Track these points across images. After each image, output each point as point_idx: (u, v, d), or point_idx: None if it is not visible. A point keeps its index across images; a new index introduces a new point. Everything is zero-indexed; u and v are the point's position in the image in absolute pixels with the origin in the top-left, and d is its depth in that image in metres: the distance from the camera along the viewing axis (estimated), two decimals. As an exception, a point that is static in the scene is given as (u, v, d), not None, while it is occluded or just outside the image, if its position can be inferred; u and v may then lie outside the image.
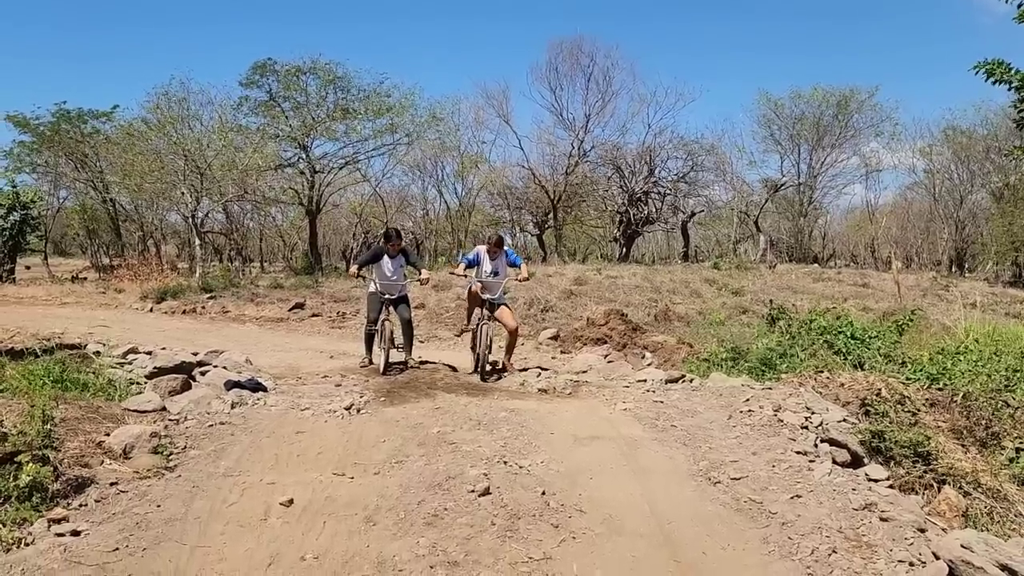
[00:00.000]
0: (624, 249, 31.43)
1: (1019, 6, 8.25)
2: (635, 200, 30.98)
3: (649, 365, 10.01)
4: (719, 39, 79.74)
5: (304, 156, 27.83)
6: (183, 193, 23.35)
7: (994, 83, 8.45)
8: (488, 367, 8.62)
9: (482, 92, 36.82)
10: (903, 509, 4.63)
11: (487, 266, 8.94)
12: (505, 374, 8.75)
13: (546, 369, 9.22)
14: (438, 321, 14.51)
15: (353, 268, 9.19)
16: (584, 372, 9.09)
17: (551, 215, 32.07)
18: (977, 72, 8.47)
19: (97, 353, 8.35)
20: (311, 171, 27.74)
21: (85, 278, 25.98)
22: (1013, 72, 8.35)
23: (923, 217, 37.84)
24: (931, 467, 5.48)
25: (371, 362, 8.97)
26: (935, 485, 5.32)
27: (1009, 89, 8.43)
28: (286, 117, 27.10)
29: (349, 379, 8.02)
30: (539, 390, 7.81)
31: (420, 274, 9.13)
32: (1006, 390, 6.86)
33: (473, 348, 9.04)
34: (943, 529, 4.54)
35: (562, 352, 11.89)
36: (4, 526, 3.87)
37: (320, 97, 27.18)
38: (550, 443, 5.71)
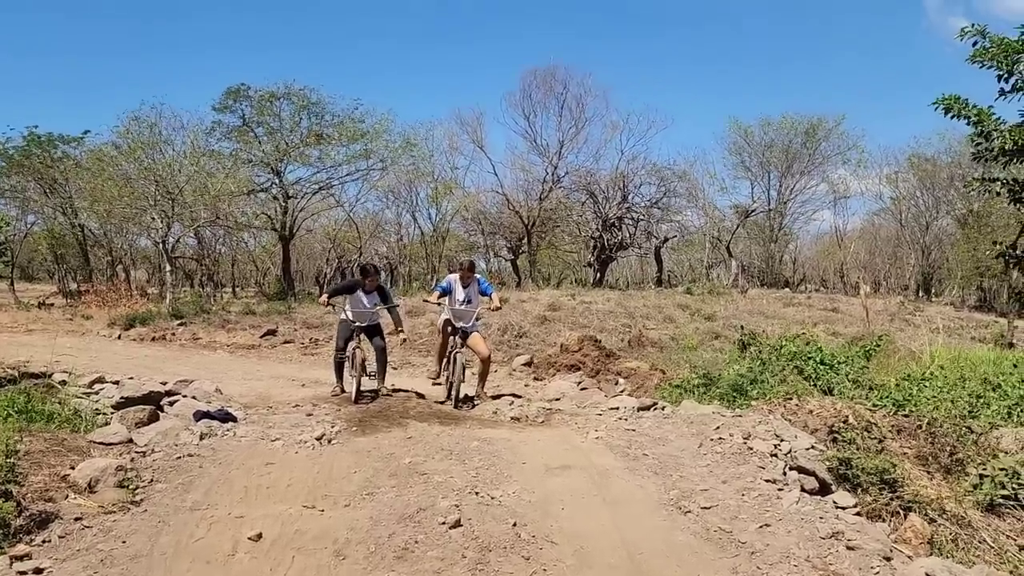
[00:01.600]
0: (598, 274, 31.62)
1: (974, 43, 8.50)
2: (609, 225, 31.23)
3: (622, 392, 10.05)
4: (689, 68, 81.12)
5: (277, 181, 27.76)
6: (154, 218, 23.12)
7: (952, 118, 8.68)
8: (461, 395, 8.60)
9: (456, 118, 37.01)
10: (869, 537, 4.68)
11: (459, 294, 8.96)
12: (478, 402, 8.73)
13: (519, 397, 9.23)
14: (411, 348, 14.44)
15: (323, 297, 9.05)
16: (557, 400, 9.12)
17: (525, 240, 32.22)
18: (936, 108, 8.70)
19: (63, 383, 8.19)
20: (284, 196, 27.65)
21: (52, 304, 25.51)
22: (970, 107, 8.58)
23: (890, 242, 38.56)
24: (897, 494, 5.53)
25: (342, 390, 8.90)
26: (901, 512, 5.38)
27: (968, 124, 8.66)
28: (259, 142, 27.04)
29: (321, 408, 7.96)
30: (512, 418, 7.81)
31: (399, 334, 9.57)
32: (970, 416, 6.98)
33: (446, 377, 9.04)
34: (909, 557, 4.59)
35: (535, 379, 11.89)
36: (-37, 564, 3.79)
37: (294, 122, 27.19)
38: (522, 473, 5.70)
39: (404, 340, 9.35)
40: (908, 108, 74.51)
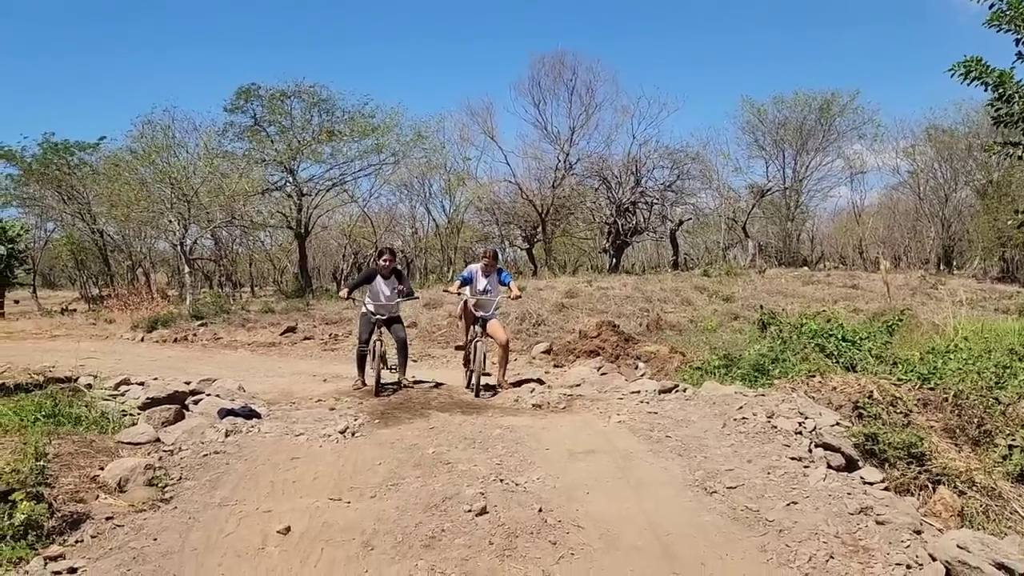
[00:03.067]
0: (614, 260, 31.51)
1: (991, 7, 8.35)
2: (623, 210, 31.08)
3: (642, 376, 10.02)
4: (699, 48, 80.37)
5: (291, 179, 27.91)
6: (171, 221, 23.31)
7: (971, 82, 8.52)
8: (482, 384, 8.65)
9: (466, 109, 37.00)
10: (898, 511, 4.65)
11: (480, 283, 9.01)
12: (500, 390, 8.77)
13: (540, 384, 9.24)
14: (431, 340, 14.49)
15: (343, 291, 9.23)
16: (578, 385, 9.11)
17: (540, 229, 32.15)
18: (954, 74, 8.55)
19: (89, 386, 8.30)
20: (298, 194, 27.79)
21: (75, 310, 25.86)
22: (990, 70, 8.42)
23: (909, 216, 38.08)
24: (925, 468, 5.50)
25: (364, 383, 8.95)
26: (930, 486, 5.34)
27: (986, 89, 8.50)
28: (272, 141, 27.19)
29: (343, 402, 8.01)
30: (533, 405, 7.81)
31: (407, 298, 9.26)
32: (997, 387, 6.88)
33: (466, 365, 9.19)
34: (939, 530, 4.56)
35: (555, 366, 11.89)
36: (1, 566, 3.84)
37: (305, 120, 27.31)
38: (546, 459, 5.71)
39: (417, 297, 9.46)
40: (923, 79, 73.42)
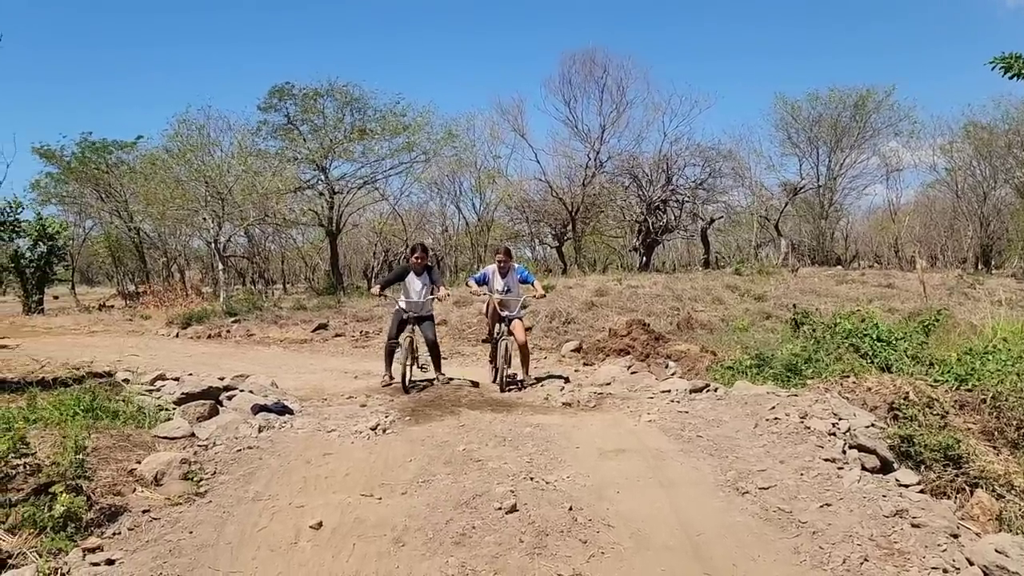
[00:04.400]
0: (644, 258, 31.33)
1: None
2: (653, 209, 30.88)
3: (673, 375, 9.97)
4: (732, 45, 79.66)
5: (323, 177, 28.16)
6: (205, 219, 23.67)
7: (1012, 77, 8.32)
8: (507, 378, 8.81)
9: (497, 107, 37.08)
10: (935, 514, 4.57)
11: (498, 284, 9.05)
12: (526, 388, 8.81)
13: (569, 382, 9.23)
14: (460, 337, 14.55)
15: (375, 288, 9.28)
16: (607, 384, 9.08)
17: (570, 227, 32.08)
18: (994, 67, 8.35)
19: (126, 381, 8.46)
20: (330, 192, 28.02)
21: (112, 306, 26.39)
22: (1031, 66, 8.21)
23: (946, 215, 37.40)
24: (962, 470, 5.39)
25: (392, 378, 9.01)
26: (967, 489, 5.24)
27: (1028, 84, 8.29)
28: (304, 140, 27.44)
29: (374, 399, 8.08)
30: (563, 404, 7.81)
31: (439, 291, 9.14)
32: (1037, 389, 6.74)
33: (492, 361, 9.39)
34: (976, 534, 4.47)
35: (585, 364, 11.87)
36: (40, 556, 3.93)
37: (337, 119, 27.52)
38: (576, 457, 5.71)
39: (445, 296, 9.39)
40: (960, 74, 71.96)
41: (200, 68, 79.67)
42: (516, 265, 9.41)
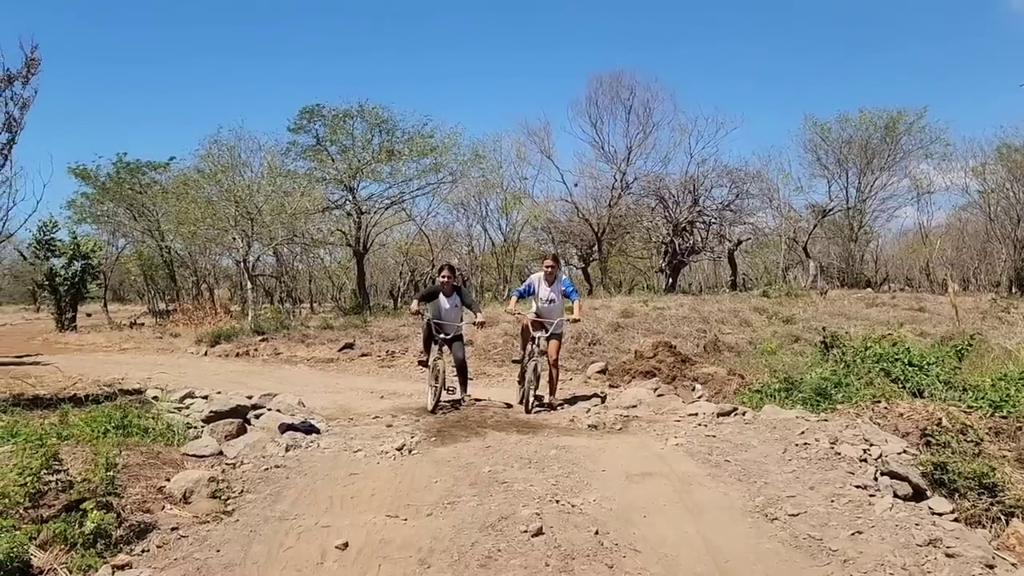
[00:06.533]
0: (670, 280, 31.16)
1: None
2: (680, 230, 30.74)
3: (700, 398, 9.87)
4: (760, 66, 79.55)
5: (351, 198, 28.39)
6: (234, 238, 23.95)
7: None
8: (534, 400, 8.73)
9: (523, 128, 37.08)
10: (969, 544, 4.47)
11: (543, 293, 8.96)
12: (553, 410, 8.75)
13: (596, 404, 9.18)
14: (486, 357, 14.54)
15: (414, 304, 9.36)
16: (634, 407, 9.02)
17: (596, 248, 32.03)
18: (1027, 90, 8.27)
19: (156, 398, 8.58)
20: (358, 212, 28.25)
21: (143, 324, 26.75)
22: (1065, 89, 8.13)
23: (979, 238, 36.79)
24: (998, 499, 5.28)
25: (427, 355, 9.14)
26: (1003, 518, 5.13)
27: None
28: (332, 160, 27.74)
29: (400, 419, 8.10)
30: (589, 426, 7.76)
31: (476, 317, 9.18)
32: (1075, 417, 6.59)
33: (520, 382, 9.14)
34: (1012, 564, 4.37)
35: (611, 386, 11.79)
36: (71, 573, 3.98)
37: (366, 140, 27.80)
38: (602, 481, 5.66)
39: (482, 323, 9.43)
40: (992, 96, 71.09)
41: (230, 86, 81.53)
42: (563, 276, 9.31)
